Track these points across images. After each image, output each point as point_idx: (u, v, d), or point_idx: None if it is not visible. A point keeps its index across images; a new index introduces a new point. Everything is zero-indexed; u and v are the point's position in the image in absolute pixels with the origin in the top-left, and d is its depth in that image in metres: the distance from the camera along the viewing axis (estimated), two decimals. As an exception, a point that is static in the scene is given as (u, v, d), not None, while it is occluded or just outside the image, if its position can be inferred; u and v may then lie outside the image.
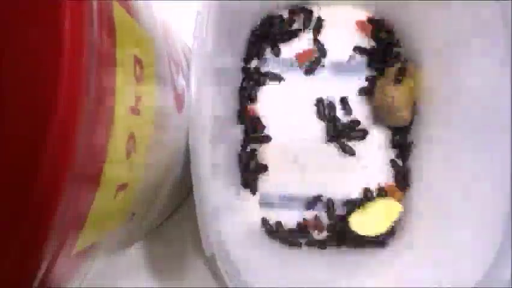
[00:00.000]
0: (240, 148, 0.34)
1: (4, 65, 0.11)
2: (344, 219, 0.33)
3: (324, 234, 0.34)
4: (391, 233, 0.33)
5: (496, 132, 0.25)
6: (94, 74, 0.12)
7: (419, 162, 0.33)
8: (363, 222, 0.32)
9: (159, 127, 0.19)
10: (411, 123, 0.34)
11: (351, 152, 0.34)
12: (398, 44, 0.35)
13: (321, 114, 0.34)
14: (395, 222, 0.32)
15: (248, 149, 0.34)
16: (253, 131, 0.34)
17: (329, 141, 0.34)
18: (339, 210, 0.34)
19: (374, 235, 0.32)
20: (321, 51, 0.35)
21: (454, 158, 0.29)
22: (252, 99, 0.34)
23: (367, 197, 0.34)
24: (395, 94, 0.32)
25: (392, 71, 0.33)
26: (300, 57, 0.35)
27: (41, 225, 0.11)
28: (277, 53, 0.35)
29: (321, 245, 0.33)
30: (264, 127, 0.34)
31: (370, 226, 0.32)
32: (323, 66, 0.35)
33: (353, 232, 0.32)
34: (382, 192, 0.34)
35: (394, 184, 0.34)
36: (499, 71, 0.25)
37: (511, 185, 0.23)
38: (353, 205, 0.33)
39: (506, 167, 0.24)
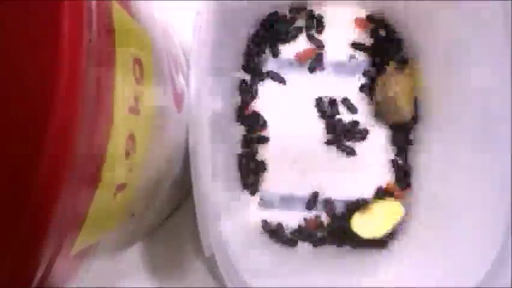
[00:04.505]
0: (240, 148, 0.34)
1: (2, 65, 0.11)
2: (344, 219, 0.33)
3: (325, 233, 0.34)
4: (391, 233, 0.33)
5: (497, 132, 0.25)
6: (93, 74, 0.12)
7: (419, 162, 0.33)
8: (364, 224, 0.32)
9: (159, 127, 0.19)
10: (414, 121, 0.34)
11: (352, 153, 0.34)
12: (398, 43, 0.35)
13: (322, 112, 0.34)
14: (396, 224, 0.32)
15: (248, 149, 0.34)
16: (252, 130, 0.34)
17: (328, 143, 0.34)
18: (340, 210, 0.34)
19: (374, 238, 0.32)
20: (320, 47, 0.35)
21: (454, 158, 0.29)
22: (253, 97, 0.34)
23: (365, 199, 0.33)
24: (396, 90, 0.32)
25: (392, 67, 0.33)
26: (300, 56, 0.35)
27: (39, 226, 0.11)
28: (276, 53, 0.35)
29: (320, 242, 0.33)
30: (264, 124, 0.34)
31: (371, 228, 0.32)
32: (323, 68, 0.35)
33: (353, 232, 0.32)
34: (381, 193, 0.34)
35: (394, 183, 0.34)
36: (500, 71, 0.25)
37: (511, 185, 0.23)
38: (353, 205, 0.33)
39: (506, 167, 0.24)
